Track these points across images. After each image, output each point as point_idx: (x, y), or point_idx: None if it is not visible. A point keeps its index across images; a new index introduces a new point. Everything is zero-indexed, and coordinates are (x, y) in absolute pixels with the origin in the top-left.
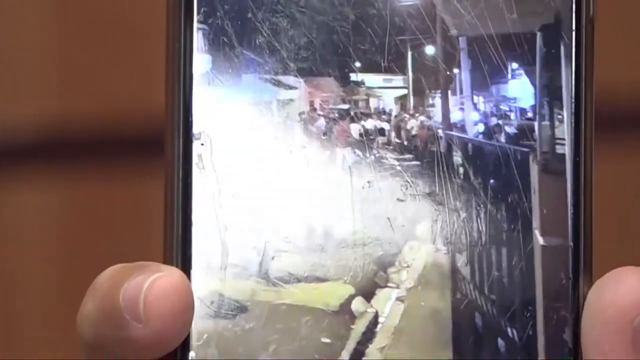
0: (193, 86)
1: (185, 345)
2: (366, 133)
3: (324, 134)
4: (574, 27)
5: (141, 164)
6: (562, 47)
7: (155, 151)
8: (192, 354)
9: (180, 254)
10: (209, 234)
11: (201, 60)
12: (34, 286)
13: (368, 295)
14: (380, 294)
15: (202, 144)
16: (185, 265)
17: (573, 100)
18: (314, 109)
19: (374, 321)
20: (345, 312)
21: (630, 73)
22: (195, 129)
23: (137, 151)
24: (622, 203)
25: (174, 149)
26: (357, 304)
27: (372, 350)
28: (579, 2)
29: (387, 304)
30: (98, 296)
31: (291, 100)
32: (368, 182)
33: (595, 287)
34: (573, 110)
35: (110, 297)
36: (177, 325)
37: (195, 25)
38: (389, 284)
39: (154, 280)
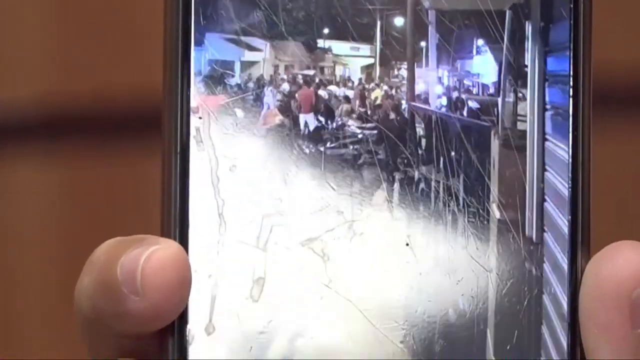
0: (191, 60)
1: (182, 319)
2: (330, 100)
3: (289, 100)
4: (571, 2)
5: (142, 144)
6: (530, 26)
7: (157, 131)
8: (189, 327)
9: (177, 228)
10: (206, 208)
11: (199, 35)
12: (32, 269)
13: (337, 261)
14: (345, 261)
15: (200, 118)
16: (183, 239)
17: (571, 77)
18: (279, 74)
19: (343, 286)
20: (316, 275)
21: (631, 52)
22: (192, 103)
23: (138, 131)
24: (621, 184)
25: (172, 122)
26: (327, 269)
27: (341, 314)
28: None
29: (350, 272)
30: (95, 269)
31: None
32: (329, 148)
33: (593, 261)
34: (571, 85)
35: (108, 270)
36: (175, 298)
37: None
38: (351, 251)
39: (152, 253)
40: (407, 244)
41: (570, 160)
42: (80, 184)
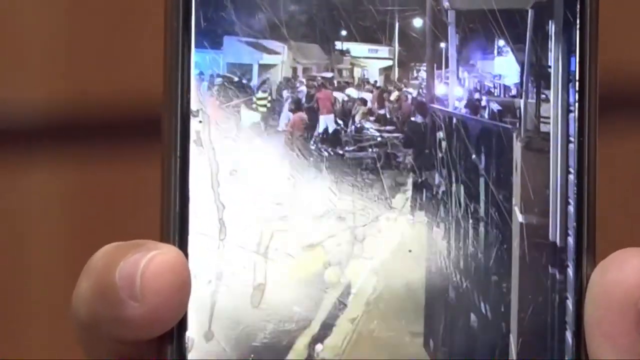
0: (191, 63)
1: (181, 325)
2: (348, 102)
3: (307, 102)
4: (578, 2)
5: (152, 147)
6: (553, 25)
7: None
8: (188, 334)
9: (177, 232)
10: (206, 212)
11: (199, 37)
12: (41, 271)
13: (342, 266)
14: (355, 264)
15: (200, 121)
16: (182, 244)
17: (577, 77)
18: (298, 77)
19: (346, 292)
20: (318, 281)
21: (636, 52)
22: (193, 106)
23: (148, 134)
24: (626, 184)
25: (172, 125)
26: (330, 274)
27: (343, 320)
28: None
29: (361, 275)
30: (93, 274)
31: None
32: (348, 151)
33: (599, 268)
34: (577, 88)
35: (106, 276)
36: (174, 304)
37: (194, 1)
38: (364, 255)
39: (151, 258)
40: (410, 251)
41: (576, 165)
42: (90, 187)
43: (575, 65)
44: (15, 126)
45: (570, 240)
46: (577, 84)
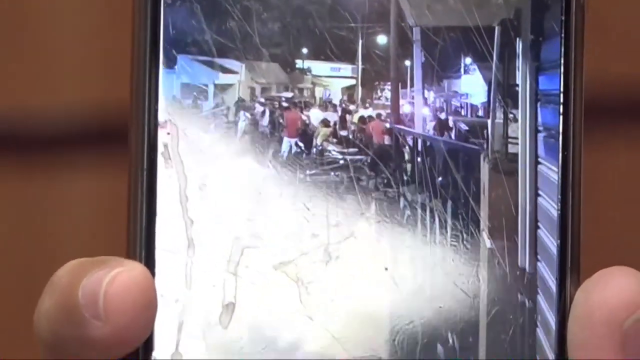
0: (159, 74)
1: (147, 346)
2: (310, 124)
3: (268, 123)
4: (563, 15)
5: None
6: (521, 42)
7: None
8: (154, 355)
9: (143, 249)
10: (174, 228)
11: (167, 48)
12: None
13: (313, 285)
14: (326, 284)
15: (168, 133)
16: (149, 261)
17: (561, 91)
18: (256, 97)
19: (317, 311)
20: (289, 300)
21: (624, 64)
22: (160, 117)
23: None
24: (609, 201)
25: (138, 137)
26: (302, 293)
27: (314, 340)
28: None
29: (332, 295)
30: (56, 292)
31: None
32: (309, 175)
33: (583, 288)
34: (562, 101)
35: (69, 293)
36: (139, 323)
37: (162, 12)
38: (336, 274)
39: (115, 276)
40: (386, 269)
41: (560, 181)
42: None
43: (560, 79)
44: (52, 132)
45: (540, 265)
46: (561, 97)
